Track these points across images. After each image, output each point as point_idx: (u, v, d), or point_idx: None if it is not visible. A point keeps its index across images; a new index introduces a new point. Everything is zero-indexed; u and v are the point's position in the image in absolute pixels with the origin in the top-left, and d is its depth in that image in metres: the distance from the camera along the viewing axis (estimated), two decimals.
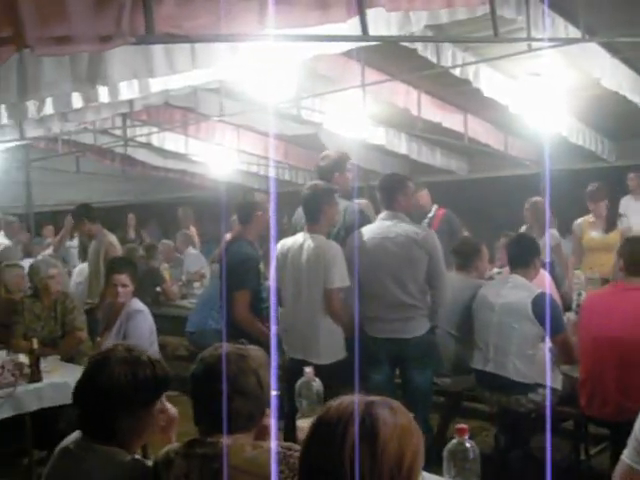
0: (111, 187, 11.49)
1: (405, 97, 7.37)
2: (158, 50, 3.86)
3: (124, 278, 5.45)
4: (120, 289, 5.43)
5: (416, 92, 7.41)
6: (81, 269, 8.37)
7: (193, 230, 10.62)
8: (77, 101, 4.81)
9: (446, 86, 7.29)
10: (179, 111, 8.39)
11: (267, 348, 4.72)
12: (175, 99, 7.46)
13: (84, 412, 2.60)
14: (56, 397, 5.02)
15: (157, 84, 5.00)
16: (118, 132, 8.90)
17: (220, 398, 2.31)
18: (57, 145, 9.19)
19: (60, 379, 5.09)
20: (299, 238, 4.94)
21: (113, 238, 7.51)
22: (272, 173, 10.13)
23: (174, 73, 4.00)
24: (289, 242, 4.99)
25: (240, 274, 4.95)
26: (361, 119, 7.56)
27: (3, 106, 4.58)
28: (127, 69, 3.84)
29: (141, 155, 10.09)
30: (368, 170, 10.09)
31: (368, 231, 4.96)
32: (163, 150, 9.69)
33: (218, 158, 9.74)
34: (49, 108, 4.74)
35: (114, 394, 2.52)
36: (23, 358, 5.16)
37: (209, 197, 11.72)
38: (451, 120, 7.84)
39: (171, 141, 9.24)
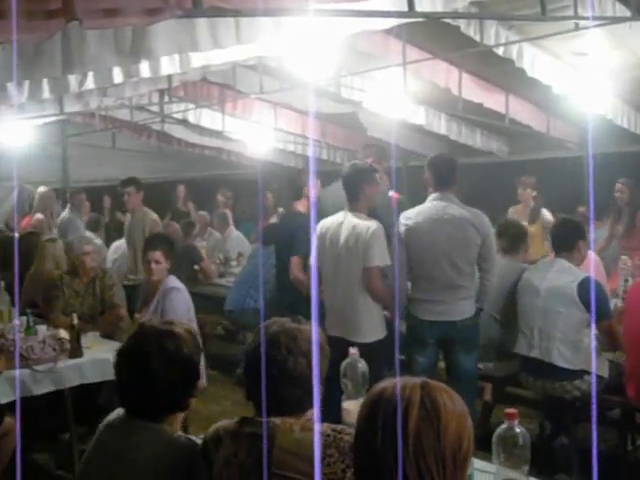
0: (147, 164, 11.39)
1: (446, 76, 7.20)
2: (202, 25, 3.79)
3: (157, 255, 5.44)
4: (153, 266, 5.43)
5: (457, 71, 7.23)
6: (117, 246, 8.38)
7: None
8: (118, 76, 4.76)
9: (488, 66, 7.12)
10: (216, 88, 8.30)
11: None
12: (213, 75, 7.38)
13: (125, 389, 2.58)
14: (97, 373, 5.06)
15: (198, 59, 4.94)
16: (154, 108, 8.86)
17: (268, 381, 2.25)
18: (94, 120, 9.18)
19: (101, 355, 5.12)
20: (339, 217, 4.97)
21: (155, 215, 7.55)
22: (312, 152, 10.04)
23: (218, 48, 3.94)
24: (329, 221, 5.03)
25: (294, 242, 5.58)
26: (401, 98, 7.42)
27: (45, 80, 4.54)
28: (171, 43, 3.78)
29: (177, 132, 10.01)
30: (407, 150, 9.99)
31: (420, 212, 4.93)
32: (199, 127, 9.60)
33: (255, 136, 9.65)
34: (90, 83, 4.70)
35: (154, 369, 2.50)
36: (64, 333, 5.17)
37: (246, 175, 11.66)
38: (492, 100, 7.65)
39: (208, 118, 9.14)
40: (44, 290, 6.22)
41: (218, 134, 10.04)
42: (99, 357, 5.08)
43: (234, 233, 9.42)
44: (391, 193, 5.70)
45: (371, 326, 4.85)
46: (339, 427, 2.33)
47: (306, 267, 5.59)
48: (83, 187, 9.95)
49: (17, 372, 4.69)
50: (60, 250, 6.60)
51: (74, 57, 3.53)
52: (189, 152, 11.00)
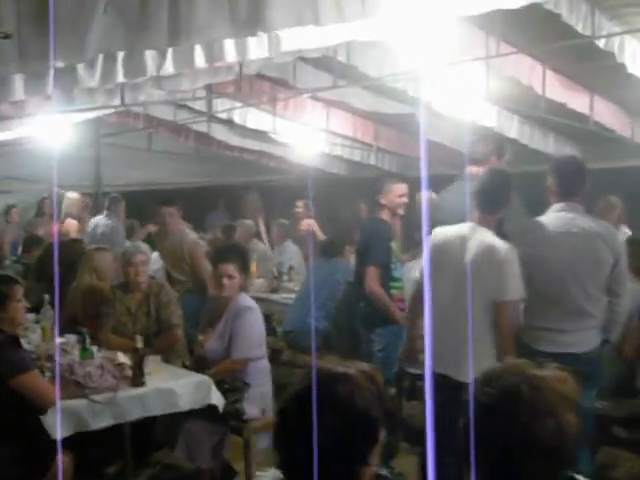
0: (182, 167, 10.71)
1: (530, 73, 6.50)
2: None
3: (230, 268, 4.79)
4: (226, 281, 4.78)
5: (542, 67, 6.53)
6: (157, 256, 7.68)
7: (261, 221, 9.92)
8: (200, 59, 4.06)
9: (576, 61, 6.44)
10: (268, 84, 7.54)
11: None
12: (268, 69, 6.68)
13: (283, 445, 1.95)
14: (160, 404, 4.37)
15: (289, 42, 4.27)
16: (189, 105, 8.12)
17: (503, 448, 1.73)
18: (129, 119, 8.45)
19: (164, 384, 4.43)
20: (462, 229, 4.17)
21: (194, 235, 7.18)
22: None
23: (343, 21, 3.27)
24: (448, 233, 4.23)
25: (369, 249, 5.25)
26: (479, 97, 6.74)
27: (120, 61, 3.86)
28: (290, 14, 3.10)
29: (219, 133, 9.22)
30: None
31: (543, 225, 4.20)
32: (242, 128, 8.85)
33: (305, 138, 8.90)
34: (169, 66, 4.00)
35: (311, 424, 1.81)
36: (122, 358, 4.49)
37: (286, 181, 10.94)
38: (577, 101, 6.94)
39: (254, 118, 8.38)
40: (92, 305, 5.52)
41: (261, 136, 9.32)
42: (163, 386, 4.41)
43: (291, 246, 8.70)
44: None
45: (488, 365, 4.11)
46: None
47: (383, 279, 5.21)
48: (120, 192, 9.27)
49: (58, 404, 3.99)
50: (108, 261, 5.90)
51: (181, 25, 2.86)
52: (227, 155, 10.25)
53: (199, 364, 4.87)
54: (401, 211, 5.41)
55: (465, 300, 4.02)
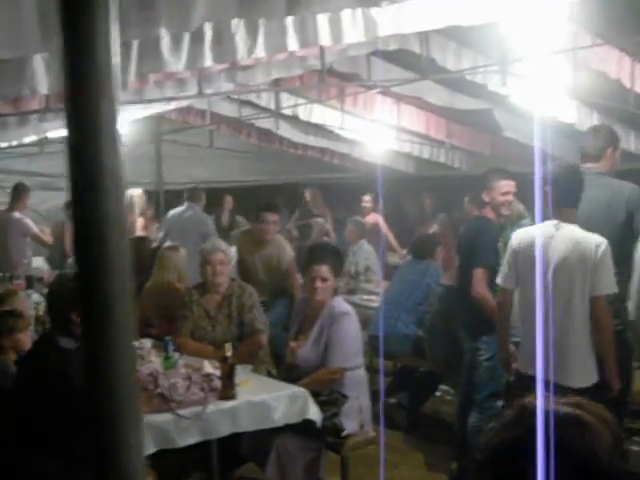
0: (243, 165, 10.43)
1: (617, 66, 6.08)
2: None
3: (324, 270, 4.46)
4: (319, 284, 4.44)
5: (630, 60, 6.11)
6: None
7: (328, 214, 9.66)
8: (293, 42, 3.71)
9: None
10: (336, 79, 7.16)
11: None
12: (340, 64, 6.32)
13: None
14: (253, 420, 3.99)
15: (385, 25, 3.91)
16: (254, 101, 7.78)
17: None
18: (189, 116, 8.19)
19: (255, 397, 4.05)
20: (547, 228, 3.92)
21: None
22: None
23: None
24: (533, 232, 4.06)
25: (476, 250, 4.90)
26: (558, 92, 6.34)
27: (208, 44, 3.52)
28: None
29: (283, 129, 8.79)
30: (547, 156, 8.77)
31: None
32: (307, 125, 8.51)
33: (374, 135, 8.46)
34: (260, 50, 3.65)
35: None
36: (209, 367, 4.15)
37: (349, 179, 10.60)
38: None
39: (320, 114, 7.98)
40: (167, 307, 5.21)
41: (326, 133, 8.97)
42: (255, 399, 4.03)
43: (366, 246, 8.27)
44: None
45: (587, 366, 3.85)
46: None
47: (490, 282, 4.77)
48: (180, 189, 9.04)
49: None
50: (183, 260, 5.58)
51: None
52: (290, 153, 9.91)
53: (290, 373, 4.52)
54: (505, 210, 5.01)
55: (561, 300, 3.81)
